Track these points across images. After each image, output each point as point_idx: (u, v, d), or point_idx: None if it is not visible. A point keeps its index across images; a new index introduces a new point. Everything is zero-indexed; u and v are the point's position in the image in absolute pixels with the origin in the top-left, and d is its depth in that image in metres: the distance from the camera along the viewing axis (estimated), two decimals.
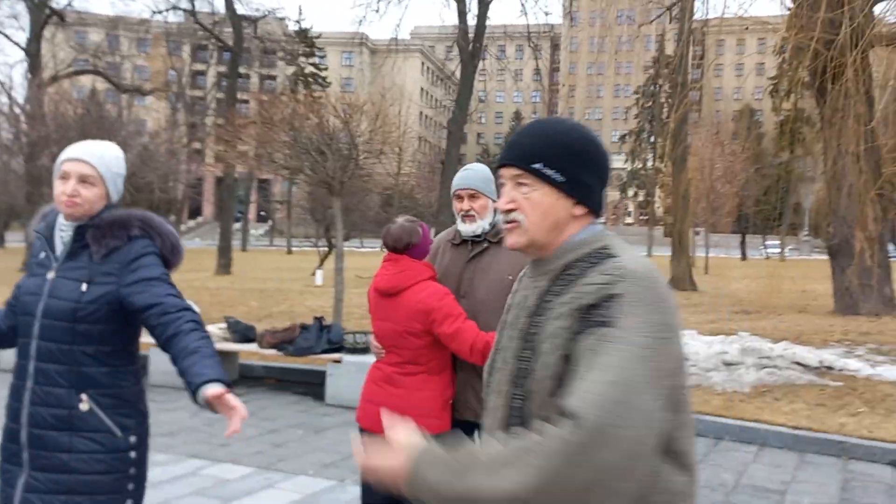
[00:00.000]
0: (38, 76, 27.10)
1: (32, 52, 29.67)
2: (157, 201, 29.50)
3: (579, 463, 1.17)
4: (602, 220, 1.45)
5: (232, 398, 1.98)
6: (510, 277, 2.78)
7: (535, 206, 1.39)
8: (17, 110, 25.45)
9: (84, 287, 2.14)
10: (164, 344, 2.12)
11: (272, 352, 7.47)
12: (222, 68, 43.58)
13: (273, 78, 56.42)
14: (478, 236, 2.98)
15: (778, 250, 47.61)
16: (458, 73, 22.16)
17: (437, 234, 3.54)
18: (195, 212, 72.33)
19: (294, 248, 45.46)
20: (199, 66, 57.06)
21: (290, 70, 54.97)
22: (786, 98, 13.95)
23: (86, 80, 41.05)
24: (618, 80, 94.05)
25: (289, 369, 8.13)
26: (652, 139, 68.02)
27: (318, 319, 7.55)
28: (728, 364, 7.95)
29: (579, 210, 1.41)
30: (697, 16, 17.63)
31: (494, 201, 2.97)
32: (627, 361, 1.22)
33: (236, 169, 28.33)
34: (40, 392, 2.13)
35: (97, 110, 24.89)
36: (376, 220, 28.06)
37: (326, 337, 7.28)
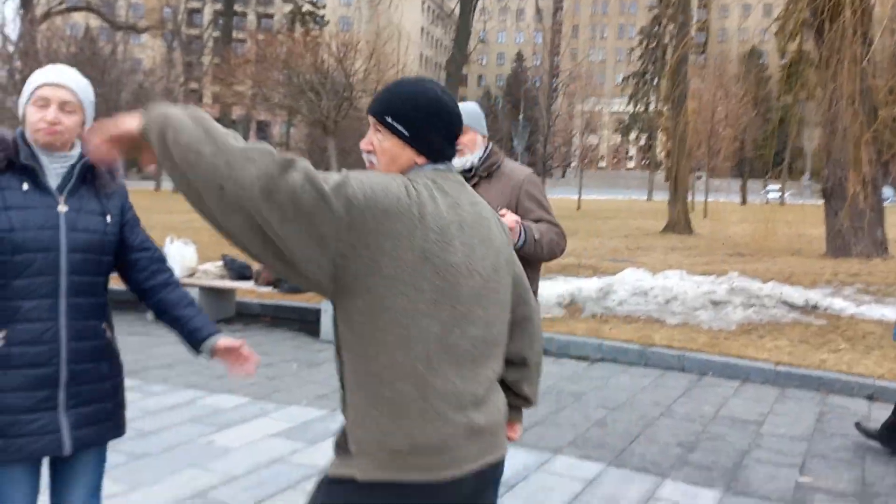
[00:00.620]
0: (30, 12, 26.64)
1: None
2: None
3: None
4: (440, 163, 1.66)
5: (245, 347, 2.24)
6: (500, 210, 2.84)
7: (384, 152, 1.65)
8: (10, 48, 25.12)
9: (109, 219, 2.20)
10: (153, 286, 2.28)
11: (268, 289, 7.61)
12: (218, 6, 42.71)
13: (270, 16, 55.45)
14: (468, 170, 3.01)
15: (778, 195, 47.55)
16: (457, 12, 21.78)
17: None
18: None
19: None
20: (195, 4, 55.96)
21: (288, 8, 53.94)
22: (791, 39, 13.71)
23: (79, 18, 40.36)
24: (622, 20, 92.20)
25: (284, 307, 8.28)
26: (655, 81, 67.10)
27: None
28: (715, 303, 8.09)
29: (422, 159, 1.65)
30: None
31: (484, 136, 3.02)
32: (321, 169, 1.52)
33: (234, 110, 28.11)
34: (78, 327, 2.13)
35: (91, 48, 24.52)
36: None
37: None
